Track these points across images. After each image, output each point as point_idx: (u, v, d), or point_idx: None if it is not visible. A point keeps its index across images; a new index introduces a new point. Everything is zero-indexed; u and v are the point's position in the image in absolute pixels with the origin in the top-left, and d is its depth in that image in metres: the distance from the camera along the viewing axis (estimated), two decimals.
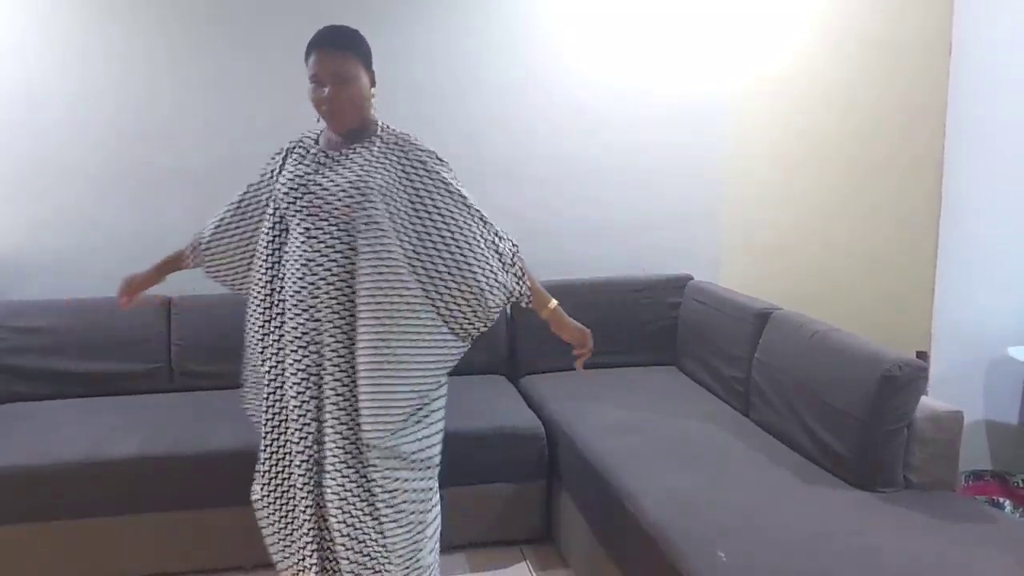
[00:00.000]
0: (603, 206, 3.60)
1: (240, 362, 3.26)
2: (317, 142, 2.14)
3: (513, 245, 2.14)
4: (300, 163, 2.10)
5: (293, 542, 2.12)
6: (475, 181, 3.60)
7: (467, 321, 2.03)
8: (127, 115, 3.28)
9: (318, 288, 1.99)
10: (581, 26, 3.48)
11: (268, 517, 2.16)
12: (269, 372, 2.12)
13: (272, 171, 2.18)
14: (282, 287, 2.06)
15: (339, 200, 1.98)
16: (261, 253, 2.13)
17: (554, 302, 2.18)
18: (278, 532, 2.15)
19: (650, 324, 3.42)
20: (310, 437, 2.02)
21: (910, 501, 2.15)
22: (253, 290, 2.15)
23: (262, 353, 2.14)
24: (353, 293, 1.97)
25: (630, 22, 3.51)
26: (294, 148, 2.17)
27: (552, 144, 3.53)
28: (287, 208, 2.06)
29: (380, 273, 1.94)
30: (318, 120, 2.11)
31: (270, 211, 2.13)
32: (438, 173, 2.05)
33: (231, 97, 3.32)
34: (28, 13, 3.17)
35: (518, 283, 2.11)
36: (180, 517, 2.68)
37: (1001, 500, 2.98)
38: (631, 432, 2.63)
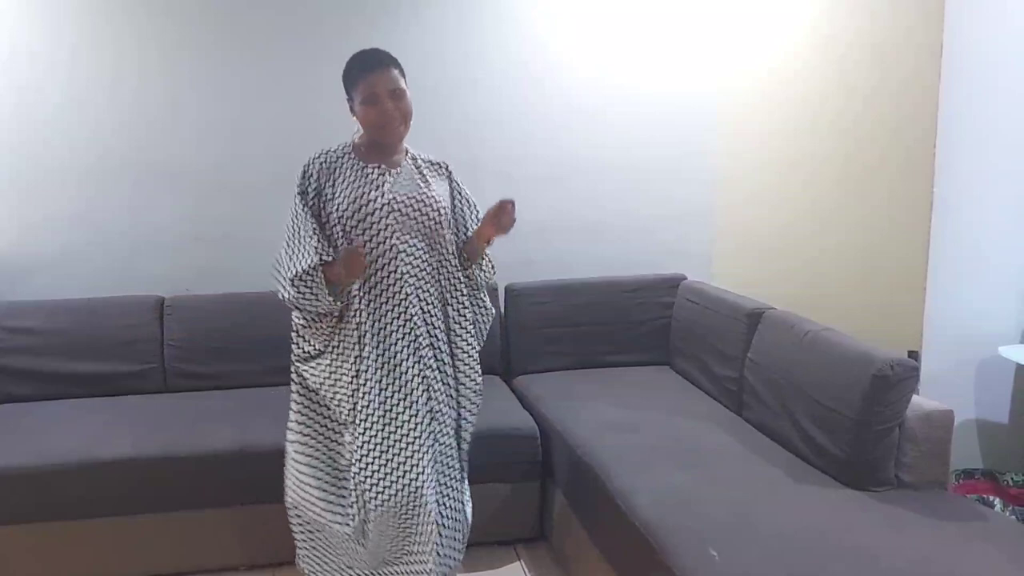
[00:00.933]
0: (597, 206, 3.60)
1: (232, 362, 3.26)
2: (353, 157, 2.23)
3: None
4: (360, 180, 2.19)
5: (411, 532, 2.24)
6: (469, 180, 3.61)
7: None
8: (119, 114, 3.27)
9: (416, 297, 2.20)
10: (576, 26, 3.49)
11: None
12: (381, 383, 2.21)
13: (307, 189, 2.20)
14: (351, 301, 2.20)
15: (423, 215, 2.21)
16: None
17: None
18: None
19: (644, 324, 3.43)
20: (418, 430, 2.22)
21: (901, 500, 2.17)
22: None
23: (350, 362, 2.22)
24: (437, 294, 2.26)
25: (625, 22, 3.51)
26: (331, 166, 2.21)
27: (546, 144, 3.54)
28: (355, 224, 2.15)
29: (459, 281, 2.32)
30: (357, 135, 2.24)
31: (336, 229, 2.16)
32: (458, 188, 2.39)
33: (224, 96, 3.32)
34: (20, 11, 3.16)
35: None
36: (174, 518, 2.68)
37: (991, 498, 3.00)
38: (625, 431, 2.64)
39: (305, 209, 2.18)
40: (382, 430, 2.18)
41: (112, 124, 3.27)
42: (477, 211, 2.40)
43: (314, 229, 2.15)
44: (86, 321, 3.15)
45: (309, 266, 2.10)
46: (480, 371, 2.39)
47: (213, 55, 3.29)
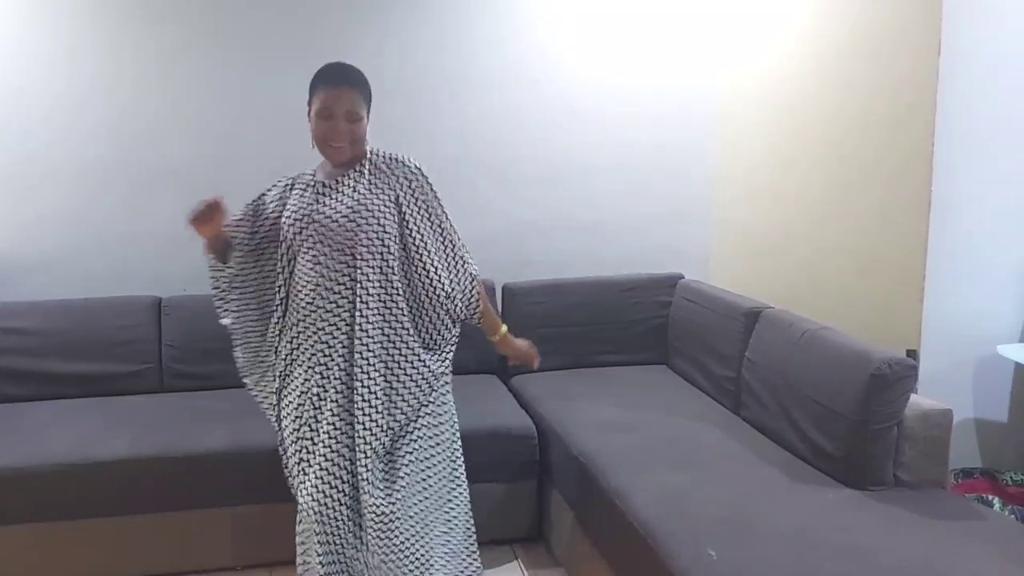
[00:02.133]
0: (593, 205, 3.60)
1: (229, 362, 3.24)
2: (314, 175, 2.25)
3: (475, 269, 2.32)
4: (302, 196, 2.22)
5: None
6: (465, 180, 3.61)
7: (435, 331, 2.25)
8: (115, 114, 3.26)
9: (327, 312, 2.14)
10: (572, 25, 3.48)
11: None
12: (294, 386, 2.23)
13: (271, 203, 2.27)
14: (288, 312, 2.22)
15: (341, 227, 2.12)
16: (275, 282, 2.26)
17: (504, 328, 2.41)
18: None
19: (641, 323, 3.42)
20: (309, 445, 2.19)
21: (900, 499, 2.16)
22: (265, 316, 2.30)
23: (276, 370, 2.29)
24: (357, 311, 2.13)
25: (621, 21, 3.51)
26: (293, 184, 2.27)
27: (542, 143, 3.53)
28: (294, 239, 2.18)
29: (383, 300, 2.16)
30: (312, 147, 2.20)
31: (284, 244, 2.22)
32: (423, 190, 2.22)
33: (220, 97, 3.31)
34: (17, 11, 3.15)
35: (473, 302, 2.29)
36: (170, 518, 2.67)
37: (990, 498, 2.99)
38: (622, 431, 2.63)
39: (257, 218, 2.26)
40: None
41: (109, 125, 3.26)
42: (448, 234, 2.24)
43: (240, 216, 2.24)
44: (83, 321, 3.14)
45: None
46: (423, 375, 2.19)
47: (210, 56, 3.29)
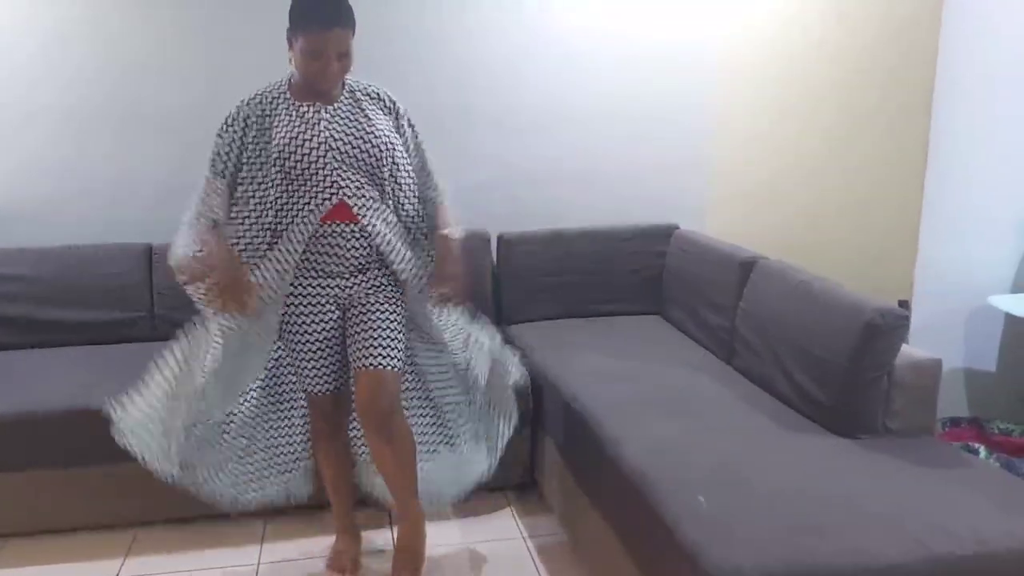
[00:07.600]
0: (590, 155, 3.56)
1: None
2: (288, 97, 2.21)
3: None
4: (296, 122, 2.18)
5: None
6: (461, 128, 3.56)
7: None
8: (102, 57, 3.19)
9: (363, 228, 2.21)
10: None
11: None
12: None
13: (237, 137, 2.21)
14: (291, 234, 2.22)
15: (370, 153, 2.19)
16: (265, 208, 2.21)
17: (450, 230, 2.36)
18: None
19: (636, 273, 3.42)
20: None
21: (888, 447, 2.19)
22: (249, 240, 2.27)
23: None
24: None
25: None
26: (265, 108, 2.21)
27: (539, 92, 3.48)
28: (299, 165, 2.15)
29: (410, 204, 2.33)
30: (291, 78, 2.23)
31: (274, 170, 2.17)
32: (406, 113, 2.34)
33: (209, 38, 3.24)
34: None
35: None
36: None
37: (976, 446, 3.04)
38: (615, 380, 2.65)
39: (220, 168, 2.22)
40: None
41: (95, 67, 3.19)
42: (424, 162, 2.37)
43: (217, 203, 2.22)
44: (74, 268, 3.12)
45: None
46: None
47: None
